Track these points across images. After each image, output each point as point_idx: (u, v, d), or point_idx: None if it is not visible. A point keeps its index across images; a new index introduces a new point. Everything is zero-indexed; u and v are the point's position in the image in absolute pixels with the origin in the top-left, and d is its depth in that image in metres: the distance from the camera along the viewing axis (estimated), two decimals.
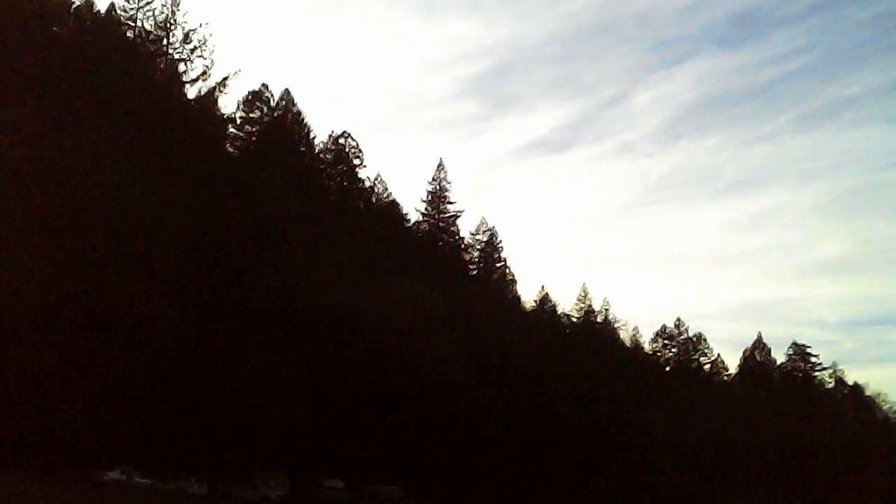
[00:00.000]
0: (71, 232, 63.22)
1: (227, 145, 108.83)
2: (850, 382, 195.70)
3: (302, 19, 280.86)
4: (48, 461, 59.74)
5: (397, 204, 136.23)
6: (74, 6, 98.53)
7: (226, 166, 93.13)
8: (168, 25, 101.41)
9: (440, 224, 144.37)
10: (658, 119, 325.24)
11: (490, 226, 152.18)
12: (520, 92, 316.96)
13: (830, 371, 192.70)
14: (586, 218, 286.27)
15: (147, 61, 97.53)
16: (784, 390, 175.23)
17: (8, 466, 56.66)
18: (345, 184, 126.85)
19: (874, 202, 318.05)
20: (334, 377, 78.03)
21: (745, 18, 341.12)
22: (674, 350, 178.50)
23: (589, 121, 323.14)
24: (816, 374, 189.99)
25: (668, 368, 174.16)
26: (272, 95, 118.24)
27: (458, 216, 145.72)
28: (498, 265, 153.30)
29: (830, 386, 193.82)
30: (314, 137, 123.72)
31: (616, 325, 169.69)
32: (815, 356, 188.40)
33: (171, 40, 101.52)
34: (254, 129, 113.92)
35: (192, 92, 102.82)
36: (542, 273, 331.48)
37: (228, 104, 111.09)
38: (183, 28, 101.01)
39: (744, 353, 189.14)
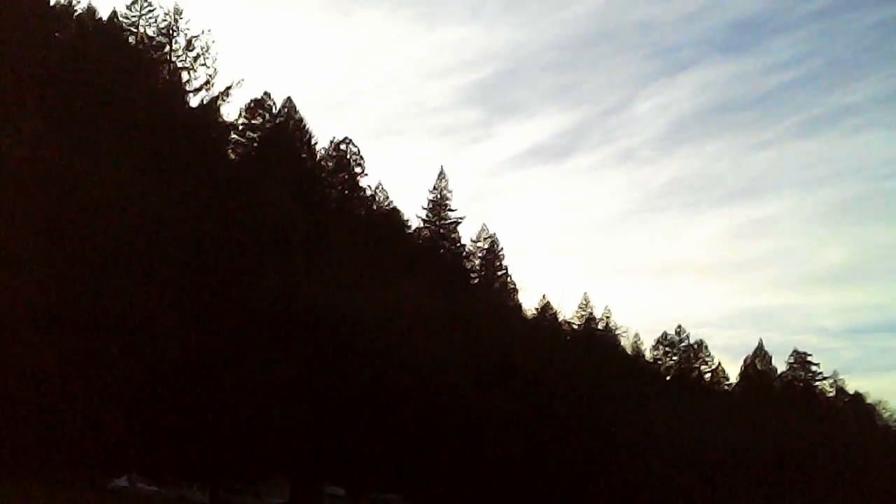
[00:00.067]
0: (71, 232, 63.16)
1: (229, 151, 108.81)
2: (851, 391, 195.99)
3: (304, 27, 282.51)
4: (48, 464, 59.56)
5: (398, 211, 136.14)
6: (77, 14, 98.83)
7: (227, 169, 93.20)
8: (171, 32, 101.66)
9: (441, 231, 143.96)
10: (659, 126, 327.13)
11: (491, 233, 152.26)
12: (521, 99, 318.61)
13: (831, 381, 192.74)
14: (587, 225, 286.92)
15: (149, 66, 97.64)
16: (785, 399, 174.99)
17: (9, 469, 56.46)
18: (346, 192, 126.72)
19: (876, 210, 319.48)
20: (334, 377, 77.99)
21: (746, 26, 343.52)
22: (675, 358, 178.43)
23: (590, 128, 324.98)
24: (817, 383, 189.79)
25: (668, 378, 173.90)
26: (274, 103, 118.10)
27: (459, 223, 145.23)
28: (499, 273, 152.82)
29: (831, 395, 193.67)
30: (315, 144, 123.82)
31: (617, 332, 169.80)
32: (815, 364, 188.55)
33: (173, 47, 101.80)
34: (255, 136, 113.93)
35: (194, 101, 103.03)
36: (544, 280, 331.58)
37: (231, 112, 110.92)
38: (185, 35, 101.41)
39: (745, 361, 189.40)
